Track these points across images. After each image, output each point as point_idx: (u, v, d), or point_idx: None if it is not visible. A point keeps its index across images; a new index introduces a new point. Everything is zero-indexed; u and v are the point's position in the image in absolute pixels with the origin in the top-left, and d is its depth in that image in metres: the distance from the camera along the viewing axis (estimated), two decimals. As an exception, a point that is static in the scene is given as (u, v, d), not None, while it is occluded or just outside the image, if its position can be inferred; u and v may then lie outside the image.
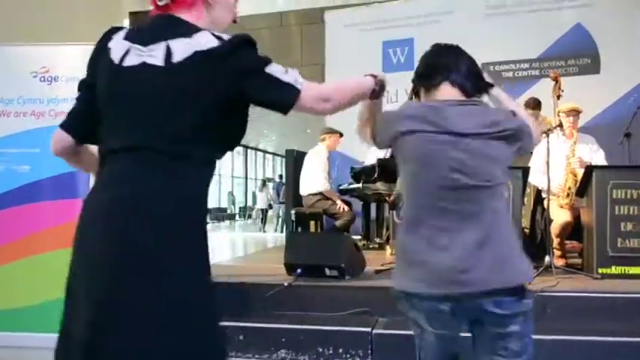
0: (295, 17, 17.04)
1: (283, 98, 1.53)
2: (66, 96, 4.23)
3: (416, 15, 8.37)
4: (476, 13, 8.04)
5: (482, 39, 7.90)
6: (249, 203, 32.67)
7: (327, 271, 4.12)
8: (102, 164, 1.56)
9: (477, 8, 8.04)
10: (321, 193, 6.28)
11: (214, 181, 28.23)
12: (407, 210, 1.88)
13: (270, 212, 20.63)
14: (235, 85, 1.49)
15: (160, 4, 1.58)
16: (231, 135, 1.60)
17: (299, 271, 4.12)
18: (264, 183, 22.33)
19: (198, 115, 1.49)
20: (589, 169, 4.43)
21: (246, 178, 33.31)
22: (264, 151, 35.29)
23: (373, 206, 6.84)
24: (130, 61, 1.51)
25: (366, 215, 6.94)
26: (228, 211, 30.25)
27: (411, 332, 3.44)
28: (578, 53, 7.51)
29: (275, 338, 3.61)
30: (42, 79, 4.29)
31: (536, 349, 3.30)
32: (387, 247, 5.92)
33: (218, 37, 1.50)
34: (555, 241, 4.58)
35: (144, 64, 1.49)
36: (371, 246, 6.43)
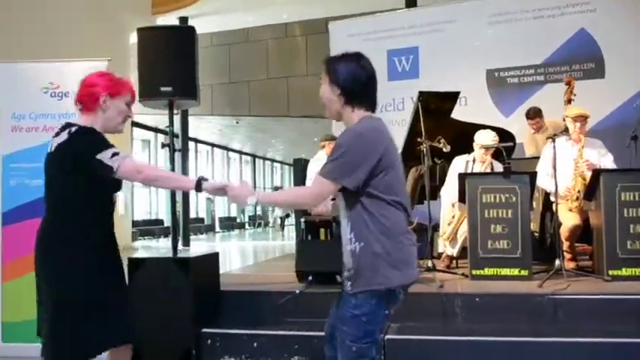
0: (300, 28, 17.15)
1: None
2: (75, 111, 4.29)
3: (420, 24, 8.41)
4: (479, 20, 8.07)
5: (486, 46, 7.94)
6: (259, 212, 32.74)
7: (339, 278, 4.14)
8: None
9: (480, 16, 8.07)
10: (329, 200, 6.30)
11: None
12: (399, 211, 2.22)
13: (287, 220, 20.75)
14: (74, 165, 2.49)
15: (78, 109, 2.60)
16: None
17: (310, 278, 4.15)
18: (276, 190, 22.30)
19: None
20: (597, 173, 4.46)
21: (255, 187, 33.36)
22: (272, 160, 35.39)
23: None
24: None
25: (375, 223, 6.94)
26: (238, 220, 30.30)
27: (422, 337, 3.49)
28: (582, 58, 7.52)
29: (288, 345, 3.64)
30: (52, 94, 4.36)
31: (547, 351, 3.33)
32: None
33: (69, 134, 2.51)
34: (565, 245, 4.60)
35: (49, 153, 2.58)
36: (380, 253, 6.44)
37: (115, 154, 2.43)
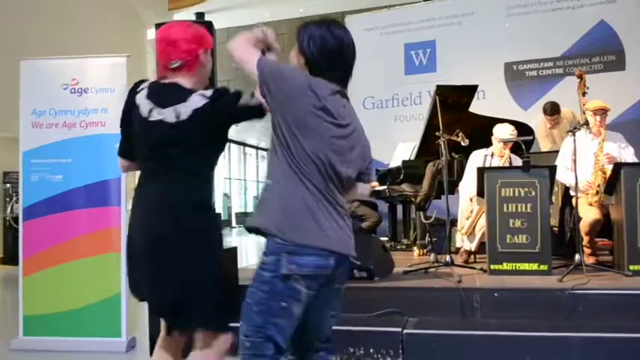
0: (316, 22, 17.12)
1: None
2: (95, 107, 4.34)
3: (437, 17, 8.38)
4: (497, 13, 8.02)
5: (504, 39, 7.89)
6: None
7: (356, 273, 4.15)
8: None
9: (498, 8, 8.02)
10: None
11: (240, 186, 28.19)
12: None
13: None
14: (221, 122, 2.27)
15: (174, 66, 2.26)
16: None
17: (328, 273, 4.15)
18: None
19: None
20: (617, 167, 4.40)
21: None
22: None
23: (399, 207, 6.85)
24: (153, 117, 2.21)
25: (392, 217, 6.95)
26: (254, 216, 30.36)
27: (441, 331, 3.48)
28: (602, 50, 7.45)
29: (306, 339, 3.64)
30: (72, 91, 4.39)
31: (567, 347, 3.30)
32: (415, 247, 5.92)
33: (204, 96, 2.20)
34: (585, 239, 4.55)
35: (161, 121, 2.20)
36: (398, 247, 6.44)
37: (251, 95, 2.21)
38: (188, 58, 2.27)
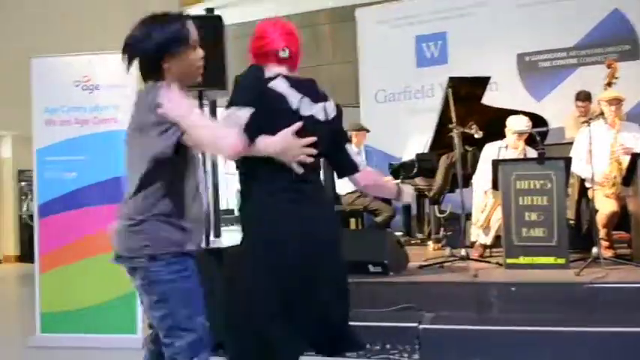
0: (325, 16, 17.02)
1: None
2: (107, 103, 4.34)
3: (448, 8, 8.30)
4: (509, 3, 7.93)
5: (516, 29, 7.80)
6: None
7: (371, 268, 4.13)
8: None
9: (510, -2, 7.94)
10: (359, 191, 6.27)
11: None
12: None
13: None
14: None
15: (282, 56, 2.11)
16: None
17: (342, 268, 4.13)
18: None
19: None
20: (634, 157, 4.34)
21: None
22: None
23: (413, 202, 6.80)
24: (304, 112, 2.08)
25: (406, 211, 6.92)
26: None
27: (457, 326, 3.45)
28: (616, 39, 7.35)
29: (322, 335, 3.63)
30: (84, 87, 4.39)
31: (586, 341, 3.27)
32: (430, 242, 5.89)
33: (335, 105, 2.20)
34: (602, 232, 4.50)
35: (312, 117, 2.09)
36: (412, 242, 6.40)
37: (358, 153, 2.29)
38: (296, 55, 2.16)
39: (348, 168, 2.23)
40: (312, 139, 2.02)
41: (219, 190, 4.90)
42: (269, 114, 2.02)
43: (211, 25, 4.12)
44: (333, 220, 2.26)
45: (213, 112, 4.59)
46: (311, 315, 2.08)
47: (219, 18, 4.16)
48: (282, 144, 2.00)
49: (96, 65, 4.39)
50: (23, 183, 10.58)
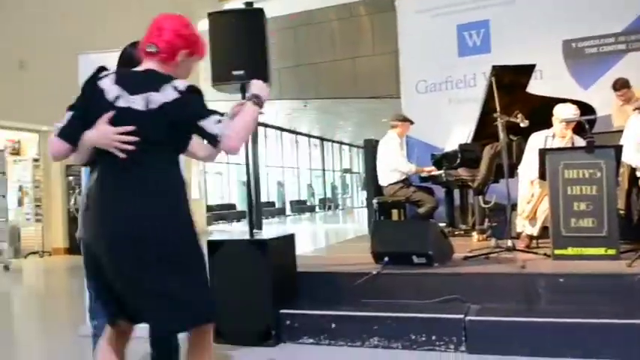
0: (365, 7, 16.95)
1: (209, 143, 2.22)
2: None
3: (491, -5, 8.15)
4: (554, -13, 7.74)
5: (562, 15, 7.61)
6: (329, 194, 32.88)
7: (415, 259, 4.10)
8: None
9: (554, -17, 7.74)
10: (402, 182, 6.25)
11: (294, 174, 28.46)
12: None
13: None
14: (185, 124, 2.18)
15: (148, 50, 2.22)
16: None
17: (386, 259, 4.11)
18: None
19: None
20: (688, 144, 4.20)
21: (324, 170, 33.53)
22: (341, 143, 35.38)
23: (456, 192, 6.73)
24: (120, 104, 2.16)
25: (449, 202, 6.84)
26: (308, 203, 30.55)
27: (504, 318, 3.39)
28: (666, 24, 7.11)
29: (367, 326, 3.63)
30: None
31: (637, 333, 3.17)
32: (474, 233, 5.82)
33: (177, 90, 2.14)
34: (654, 222, 4.37)
35: (129, 108, 2.15)
36: (456, 233, 6.33)
37: (218, 121, 2.13)
38: (165, 49, 2.22)
39: (210, 141, 2.18)
40: (126, 128, 2.12)
41: (260, 183, 4.91)
42: (92, 110, 2.19)
43: (253, 18, 4.13)
44: (146, 214, 2.11)
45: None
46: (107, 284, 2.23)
47: (261, 11, 4.17)
48: (97, 133, 2.15)
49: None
50: (71, 177, 10.86)
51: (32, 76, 9.95)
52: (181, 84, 2.16)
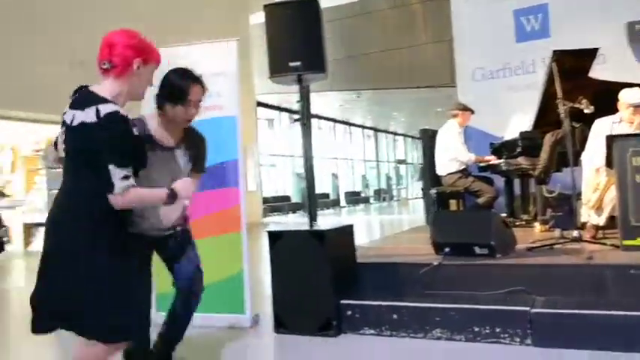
0: (418, -5, 16.74)
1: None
2: (210, 92, 4.43)
3: (549, -22, 7.92)
4: (617, -34, 7.45)
5: (626, -4, 7.33)
6: (383, 186, 32.75)
7: (477, 250, 4.03)
8: None
9: (618, -39, 7.45)
10: (460, 171, 6.14)
11: (347, 165, 28.44)
12: None
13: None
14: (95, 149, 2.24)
15: (103, 67, 2.34)
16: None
17: (447, 250, 4.06)
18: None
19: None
20: None
21: (378, 161, 33.40)
22: (394, 133, 35.15)
23: (516, 182, 6.58)
24: (65, 118, 2.33)
25: (509, 191, 6.69)
26: (363, 195, 30.49)
27: (571, 310, 3.30)
28: None
29: (429, 317, 3.59)
30: (186, 77, 4.50)
31: None
32: (536, 223, 5.67)
33: (97, 115, 2.22)
34: None
35: (64, 122, 2.33)
36: (517, 223, 6.18)
37: (126, 177, 2.23)
38: (119, 62, 2.32)
39: (106, 186, 2.23)
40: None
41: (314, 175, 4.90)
42: None
43: (308, 9, 4.13)
44: (67, 228, 2.28)
45: (307, 97, 4.62)
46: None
47: (315, 1, 4.17)
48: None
49: (196, 55, 4.50)
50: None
51: (91, 74, 10.26)
52: (105, 109, 2.22)
